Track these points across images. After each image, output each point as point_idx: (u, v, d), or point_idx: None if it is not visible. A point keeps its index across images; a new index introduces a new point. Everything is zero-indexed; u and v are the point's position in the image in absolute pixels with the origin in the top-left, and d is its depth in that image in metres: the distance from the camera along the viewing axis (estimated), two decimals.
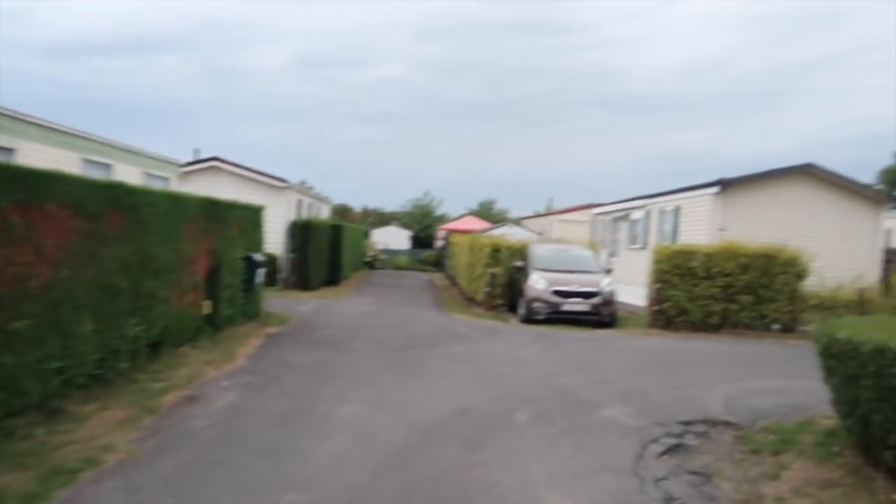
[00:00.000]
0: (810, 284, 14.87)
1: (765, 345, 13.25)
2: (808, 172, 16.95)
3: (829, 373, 5.82)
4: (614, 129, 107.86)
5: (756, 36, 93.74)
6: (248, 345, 10.15)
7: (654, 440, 6.36)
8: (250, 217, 12.71)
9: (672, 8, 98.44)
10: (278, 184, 20.42)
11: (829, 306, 14.67)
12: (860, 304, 14.70)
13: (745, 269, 14.33)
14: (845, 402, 5.50)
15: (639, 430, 6.66)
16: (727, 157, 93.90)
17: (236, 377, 8.11)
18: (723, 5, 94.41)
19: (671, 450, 6.15)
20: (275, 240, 19.51)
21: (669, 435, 6.56)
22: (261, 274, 12.50)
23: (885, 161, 55.56)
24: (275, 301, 15.45)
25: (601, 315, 14.79)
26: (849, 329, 5.54)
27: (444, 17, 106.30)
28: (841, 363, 5.48)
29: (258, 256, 12.43)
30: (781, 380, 9.55)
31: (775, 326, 14.51)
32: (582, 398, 7.85)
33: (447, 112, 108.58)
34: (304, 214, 23.30)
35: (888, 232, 20.07)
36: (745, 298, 14.35)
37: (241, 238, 11.73)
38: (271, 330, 11.78)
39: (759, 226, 16.33)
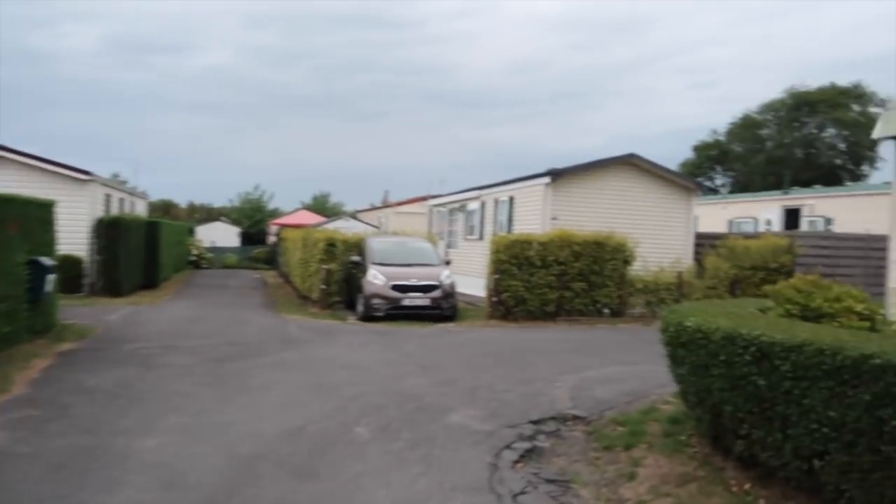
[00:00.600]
0: (636, 269, 15.55)
1: (598, 330, 13.58)
2: (630, 162, 17.78)
3: (678, 362, 5.66)
4: (448, 123, 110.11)
5: (572, 39, 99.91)
6: (31, 367, 8.43)
7: (507, 446, 5.90)
8: (35, 214, 10.74)
9: (498, 9, 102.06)
10: (81, 176, 17.87)
11: (653, 289, 15.43)
12: (679, 287, 15.62)
13: (577, 256, 14.63)
14: (695, 392, 5.35)
15: (489, 435, 6.17)
16: (549, 153, 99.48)
17: (9, 411, 6.56)
18: (542, 8, 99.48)
19: (525, 455, 5.71)
20: (77, 240, 17.08)
21: (522, 438, 6.14)
22: (51, 281, 10.61)
23: (685, 155, 61.48)
24: (77, 311, 13.40)
25: (442, 309, 14.41)
26: (697, 317, 5.38)
27: (274, 5, 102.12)
28: (690, 352, 5.31)
29: (47, 260, 10.54)
30: (619, 366, 9.63)
31: (606, 311, 15.00)
32: (427, 403, 7.25)
33: (278, 103, 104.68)
34: (116, 211, 20.74)
35: (696, 218, 21.71)
36: (579, 285, 14.67)
37: (21, 239, 9.82)
38: (66, 346, 10.00)
39: (588, 214, 16.85)
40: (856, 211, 21.23)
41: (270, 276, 30.13)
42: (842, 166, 53.64)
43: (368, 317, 14.19)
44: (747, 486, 4.84)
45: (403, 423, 6.47)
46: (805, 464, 4.22)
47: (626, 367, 9.53)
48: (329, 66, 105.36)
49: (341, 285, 16.29)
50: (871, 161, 53.46)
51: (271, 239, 41.87)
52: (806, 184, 33.84)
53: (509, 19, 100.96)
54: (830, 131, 54.67)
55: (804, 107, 53.61)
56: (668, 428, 6.36)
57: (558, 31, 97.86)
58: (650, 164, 18.11)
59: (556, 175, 17.09)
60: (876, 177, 49.10)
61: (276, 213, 53.95)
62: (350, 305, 15.63)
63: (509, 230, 18.50)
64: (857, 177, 52.20)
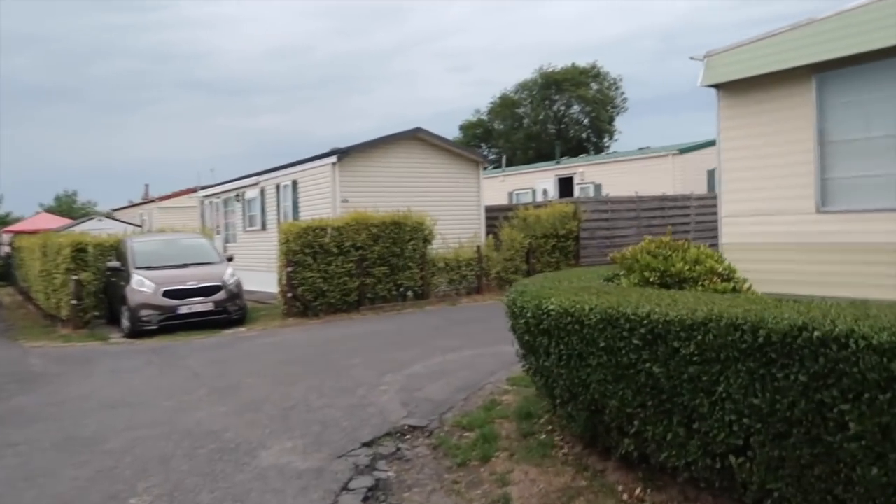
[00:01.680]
0: (435, 248, 14.91)
1: (407, 316, 12.70)
2: (416, 137, 17.06)
3: (539, 352, 4.79)
4: (212, 111, 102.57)
5: (333, 24, 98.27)
6: None
7: (344, 486, 4.61)
8: None
9: None
10: None
11: (455, 267, 14.92)
12: (479, 261, 15.29)
13: (376, 239, 13.57)
14: (566, 387, 4.50)
15: (318, 474, 4.83)
16: (322, 138, 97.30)
17: None
18: None
19: (370, 496, 4.48)
20: None
21: (359, 471, 4.89)
22: None
23: (453, 134, 63.55)
24: None
25: (229, 312, 12.49)
26: (558, 296, 4.53)
27: None
28: (558, 340, 4.45)
29: None
30: (441, 355, 8.76)
31: (410, 295, 14.17)
32: (229, 441, 5.67)
33: (4, 94, 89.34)
34: None
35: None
36: (380, 270, 13.64)
37: None
38: None
39: (380, 194, 15.85)
40: (619, 175, 22.87)
41: (5, 294, 25.07)
42: (587, 139, 59.42)
43: (137, 332, 11.82)
44: (638, 491, 4.11)
45: (200, 478, 4.86)
46: (718, 462, 3.53)
47: (449, 356, 8.68)
48: (64, 51, 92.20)
49: (99, 298, 13.53)
50: (611, 134, 60.22)
51: (3, 249, 35.14)
52: (561, 155, 36.50)
53: (269, 3, 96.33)
54: (576, 108, 60.29)
55: (552, 86, 58.35)
56: (522, 426, 5.54)
57: (319, 17, 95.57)
58: (437, 139, 17.57)
59: (343, 154, 15.80)
60: (614, 146, 55.22)
61: (7, 220, 45.75)
62: (113, 320, 13.03)
63: (296, 217, 16.87)
64: (600, 148, 58.08)
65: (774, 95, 6.50)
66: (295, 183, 17.49)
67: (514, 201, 26.59)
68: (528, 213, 16.34)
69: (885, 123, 5.97)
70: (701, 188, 21.30)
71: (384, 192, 15.99)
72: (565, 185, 24.99)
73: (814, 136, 6.21)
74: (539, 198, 25.45)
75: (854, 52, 5.68)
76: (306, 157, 16.98)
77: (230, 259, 14.35)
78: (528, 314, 4.74)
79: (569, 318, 4.29)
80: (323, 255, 12.99)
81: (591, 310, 4.13)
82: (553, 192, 25.22)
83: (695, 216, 19.27)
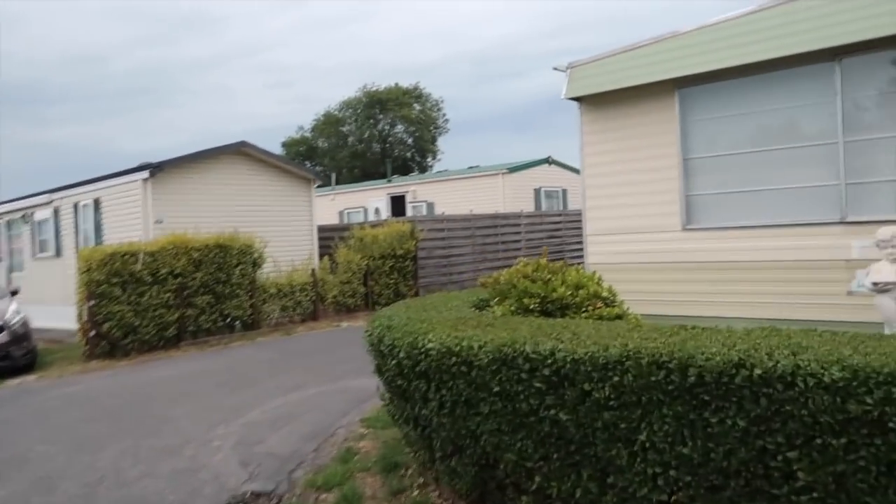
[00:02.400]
0: (266, 272, 13.70)
1: (237, 351, 11.39)
2: (242, 152, 15.71)
3: (412, 400, 4.10)
4: None
5: (140, 31, 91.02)
6: None
7: None
8: None
9: None
10: None
11: (288, 292, 13.79)
12: (314, 286, 14.29)
13: (198, 265, 12.10)
14: (450, 440, 3.85)
15: None
16: (128, 153, 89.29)
17: None
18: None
19: None
20: None
21: None
22: None
23: (275, 151, 61.35)
24: None
25: (13, 358, 10.39)
26: (437, 331, 3.89)
27: None
28: (440, 385, 3.79)
29: None
30: (282, 396, 7.76)
31: (238, 325, 12.83)
32: None
33: None
34: None
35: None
36: (204, 300, 12.17)
37: None
38: None
39: (201, 214, 14.31)
40: (450, 193, 22.96)
41: None
42: (412, 158, 60.35)
43: None
44: None
45: None
46: None
47: (291, 397, 7.71)
48: None
49: None
50: (434, 153, 61.79)
51: None
52: (383, 175, 36.32)
53: (61, 5, 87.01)
54: (400, 127, 61.14)
55: (377, 105, 58.76)
56: (390, 482, 4.80)
57: (120, 22, 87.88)
58: (264, 154, 16.34)
59: (156, 169, 14.05)
60: (437, 166, 56.71)
61: None
62: None
63: (99, 241, 14.76)
64: (424, 167, 59.29)
65: (639, 110, 6.47)
66: (97, 202, 15.32)
67: (346, 221, 25.79)
68: (366, 234, 15.64)
69: (736, 140, 6.11)
70: (529, 206, 21.97)
71: (206, 212, 14.47)
72: (398, 204, 24.65)
73: (678, 151, 6.24)
74: (371, 217, 24.87)
75: (712, 68, 5.76)
76: (115, 172, 14.93)
77: (14, 293, 12.10)
78: (401, 354, 4.04)
79: (454, 359, 3.66)
80: (134, 285, 11.29)
81: (480, 348, 3.53)
82: (385, 211, 24.76)
83: (525, 234, 19.74)
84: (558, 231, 21.02)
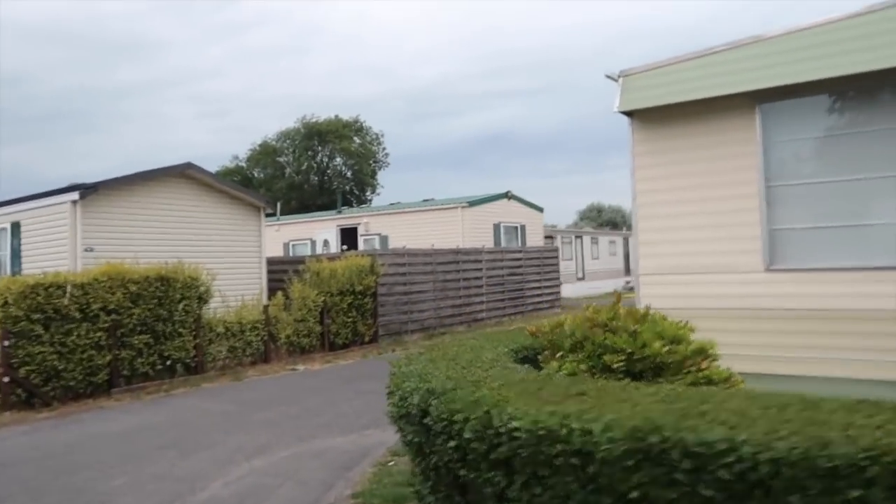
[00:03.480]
0: (213, 308, 12.24)
1: (180, 400, 9.89)
2: (186, 175, 14.26)
3: (481, 499, 2.99)
4: None
5: (65, 54, 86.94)
6: None
7: None
8: None
9: None
10: None
11: (237, 332, 12.33)
12: (267, 324, 12.89)
13: (136, 300, 10.58)
14: None
15: None
16: (52, 178, 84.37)
17: None
18: (19, 14, 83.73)
19: None
20: None
21: None
22: None
23: None
24: None
25: None
26: (525, 403, 2.83)
27: None
28: (531, 482, 2.72)
29: None
30: (241, 462, 6.46)
31: (180, 368, 11.29)
32: None
33: None
34: None
35: None
36: (141, 339, 10.63)
37: None
38: None
39: (138, 242, 12.80)
40: (406, 227, 21.94)
41: None
42: (351, 192, 59.22)
43: None
44: None
45: None
46: None
47: (257, 462, 6.41)
48: None
49: None
50: (373, 187, 60.89)
51: None
52: (321, 208, 34.95)
53: None
54: (339, 160, 60.11)
55: (315, 136, 57.74)
56: None
57: (44, 44, 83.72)
58: (211, 177, 14.95)
59: (88, 190, 12.47)
60: (377, 200, 55.82)
61: None
62: None
63: (17, 271, 12.98)
64: (363, 201, 58.46)
65: (708, 127, 5.64)
66: (16, 225, 13.53)
67: (291, 253, 24.34)
68: (322, 267, 14.36)
69: (842, 164, 5.25)
70: (489, 241, 21.18)
71: (145, 241, 12.96)
72: (348, 236, 23.41)
73: (759, 177, 5.42)
74: (319, 249, 23.54)
75: (808, 78, 4.98)
76: (36, 193, 13.23)
77: None
78: (466, 434, 2.94)
79: (558, 447, 2.59)
80: (60, 322, 9.69)
81: (604, 433, 2.49)
82: (335, 243, 23.49)
83: (486, 270, 18.87)
84: (519, 268, 20.27)
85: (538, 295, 21.16)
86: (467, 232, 20.61)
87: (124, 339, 10.44)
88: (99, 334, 10.08)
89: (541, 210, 24.54)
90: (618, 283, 34.30)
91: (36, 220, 13.17)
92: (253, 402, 9.38)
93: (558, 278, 22.46)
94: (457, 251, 18.08)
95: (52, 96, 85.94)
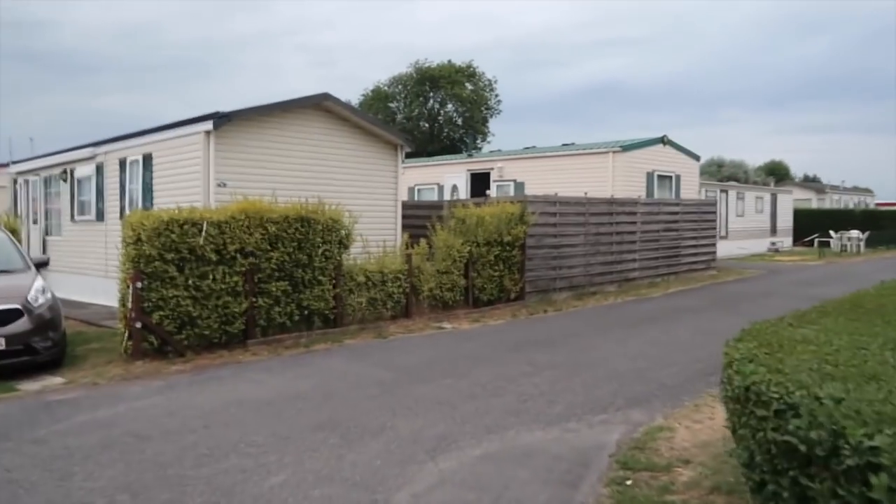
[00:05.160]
0: (353, 255, 10.92)
1: (323, 359, 8.62)
2: (323, 107, 12.88)
3: None
4: (41, 87, 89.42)
5: (186, 6, 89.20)
6: None
7: None
8: None
9: None
10: None
11: (378, 282, 10.97)
12: (409, 274, 11.46)
13: (275, 242, 9.37)
14: None
15: None
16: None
17: None
18: None
19: None
20: None
21: None
22: None
23: None
24: None
25: (36, 352, 7.75)
26: None
27: None
28: None
29: None
30: (426, 462, 4.93)
31: (317, 321, 10.07)
32: None
33: None
34: None
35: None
36: (279, 287, 9.44)
37: None
38: None
39: (270, 179, 11.58)
40: (545, 173, 19.90)
41: None
42: (461, 139, 57.27)
43: None
44: None
45: None
46: None
47: (444, 464, 4.87)
48: None
49: None
50: (484, 135, 58.60)
51: None
52: (431, 154, 33.13)
53: None
54: (450, 106, 58.18)
55: (428, 81, 55.98)
56: None
57: None
58: (349, 110, 13.54)
59: (222, 120, 11.30)
60: (487, 148, 53.57)
61: None
62: None
63: (149, 205, 12.17)
64: (475, 149, 56.34)
65: None
66: (148, 157, 12.69)
67: (417, 198, 22.96)
68: (468, 213, 12.72)
69: None
70: (640, 192, 18.84)
71: (279, 177, 11.75)
72: (478, 182, 21.68)
73: None
74: (447, 195, 22.00)
75: None
76: (170, 122, 12.27)
77: (42, 264, 9.48)
78: None
79: None
80: (195, 264, 8.59)
81: None
82: (464, 189, 21.86)
83: (641, 224, 16.64)
84: (675, 223, 17.88)
85: (694, 254, 18.72)
86: (618, 180, 18.33)
87: (262, 286, 9.27)
88: (236, 279, 8.94)
89: (697, 158, 21.75)
90: (763, 244, 30.91)
91: (168, 152, 12.24)
92: (409, 368, 7.92)
93: (715, 236, 19.85)
94: (611, 201, 15.94)
95: (173, 45, 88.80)
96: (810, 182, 58.44)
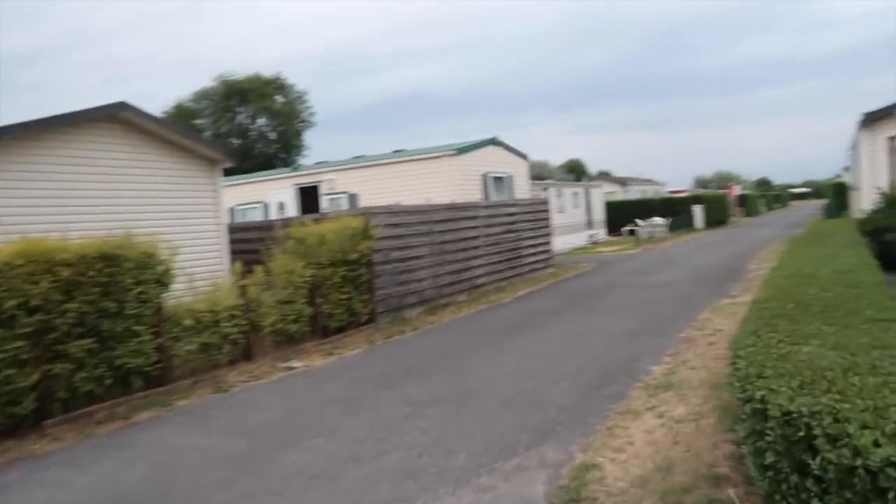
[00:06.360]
0: (178, 293, 9.11)
1: (153, 432, 6.86)
2: (121, 119, 10.79)
3: None
4: None
5: None
6: None
7: None
8: None
9: None
10: None
11: (212, 322, 9.25)
12: (246, 310, 9.85)
13: (71, 289, 7.39)
14: None
15: None
16: None
17: None
18: None
19: None
20: None
21: None
22: None
23: None
24: None
25: None
26: None
27: None
28: None
29: None
30: None
31: (137, 381, 8.19)
32: None
33: None
34: None
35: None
36: (82, 345, 7.46)
37: None
38: None
39: (62, 210, 9.42)
40: (378, 182, 18.92)
41: None
42: (275, 154, 54.90)
43: None
44: None
45: None
46: None
47: None
48: None
49: None
50: (299, 149, 56.72)
51: None
52: (246, 172, 31.20)
53: None
54: (262, 121, 55.76)
55: (235, 95, 53.29)
56: None
57: None
58: (154, 122, 11.53)
59: None
60: (304, 162, 51.99)
61: None
62: None
63: None
64: (288, 164, 54.46)
65: None
66: None
67: (238, 219, 20.92)
68: (308, 232, 11.32)
69: None
70: (476, 195, 18.48)
71: (71, 208, 9.63)
72: (308, 197, 20.15)
73: None
74: (274, 214, 20.23)
75: None
76: None
77: None
78: None
79: None
80: None
81: None
82: (293, 205, 20.21)
83: (483, 228, 16.23)
84: (514, 224, 17.74)
85: (534, 254, 18.73)
86: (455, 184, 17.82)
87: (58, 347, 7.26)
88: (18, 344, 6.87)
89: (525, 157, 21.96)
90: (583, 237, 32.45)
91: None
92: (265, 430, 6.46)
93: (550, 234, 20.09)
94: (453, 206, 15.30)
95: None
96: (604, 176, 63.29)
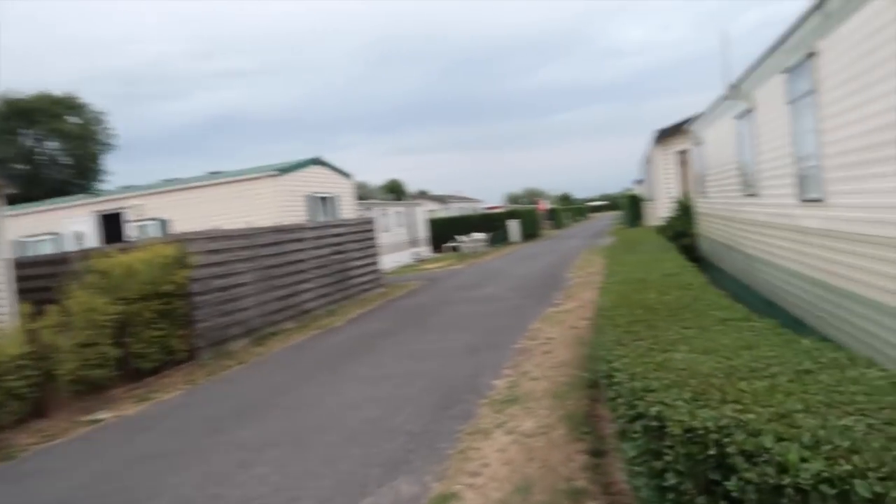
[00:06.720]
0: None
1: None
2: None
3: None
4: None
5: None
6: None
7: None
8: None
9: None
10: None
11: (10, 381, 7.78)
12: (39, 357, 8.44)
13: None
14: None
15: None
16: None
17: None
18: None
19: None
20: None
21: None
22: None
23: None
24: None
25: None
26: None
27: None
28: None
29: None
30: None
31: None
32: None
33: None
34: None
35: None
36: None
37: None
38: None
39: None
40: (191, 206, 17.52)
41: None
42: (69, 181, 49.67)
43: None
44: None
45: None
46: None
47: None
48: None
49: None
50: (98, 174, 51.74)
51: None
52: (34, 199, 27.93)
53: None
54: (52, 144, 50.34)
55: (19, 116, 47.49)
56: None
57: None
58: None
59: None
60: (105, 187, 47.79)
61: None
62: None
63: None
64: (86, 190, 49.78)
65: None
66: None
67: (29, 252, 18.31)
68: (113, 263, 10.03)
69: None
70: (301, 216, 17.77)
71: None
72: (112, 225, 18.13)
73: None
74: (70, 245, 17.93)
75: None
76: None
77: None
78: None
79: None
80: None
81: None
82: (94, 235, 18.08)
83: (311, 250, 15.61)
84: (342, 245, 17.30)
85: (363, 274, 18.37)
86: (278, 206, 16.96)
87: None
88: None
89: (350, 177, 21.57)
90: (408, 255, 32.75)
91: None
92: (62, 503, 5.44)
93: (377, 254, 19.87)
94: (278, 229, 14.51)
95: None
96: (423, 195, 64.87)
